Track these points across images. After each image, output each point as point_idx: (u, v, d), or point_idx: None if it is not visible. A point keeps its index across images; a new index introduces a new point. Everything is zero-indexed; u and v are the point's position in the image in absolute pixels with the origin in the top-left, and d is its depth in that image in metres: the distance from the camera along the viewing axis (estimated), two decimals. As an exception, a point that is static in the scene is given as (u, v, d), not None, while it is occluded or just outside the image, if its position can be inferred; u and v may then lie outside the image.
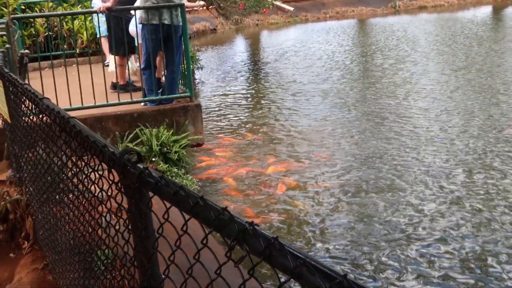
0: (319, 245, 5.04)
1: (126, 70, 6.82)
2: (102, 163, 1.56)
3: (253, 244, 0.95)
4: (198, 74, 13.86)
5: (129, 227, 1.47)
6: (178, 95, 6.34)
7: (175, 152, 5.87)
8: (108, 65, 7.82)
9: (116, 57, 6.74)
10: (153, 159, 5.74)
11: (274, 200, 6.10)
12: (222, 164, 7.35)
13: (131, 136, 5.88)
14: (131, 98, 6.05)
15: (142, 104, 6.40)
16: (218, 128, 9.16)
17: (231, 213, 1.05)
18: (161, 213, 1.27)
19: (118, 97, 5.99)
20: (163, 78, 6.44)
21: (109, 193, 1.57)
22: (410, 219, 5.37)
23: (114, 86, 6.90)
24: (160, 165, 5.64)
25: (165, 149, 5.84)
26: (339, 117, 9.26)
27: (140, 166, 1.36)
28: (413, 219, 5.36)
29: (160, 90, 6.44)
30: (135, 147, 5.52)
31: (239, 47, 19.83)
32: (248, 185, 6.59)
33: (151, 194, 1.33)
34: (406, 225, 5.21)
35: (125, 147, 5.53)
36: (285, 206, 5.92)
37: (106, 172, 1.56)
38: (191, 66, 6.74)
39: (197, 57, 13.77)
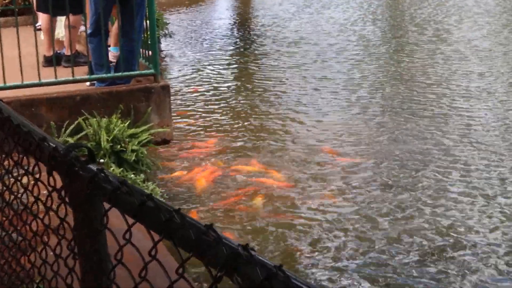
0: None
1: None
2: (40, 163, 1.58)
3: (248, 275, 0.98)
4: (165, 44, 13.86)
5: (75, 251, 1.49)
6: (138, 72, 6.34)
7: (133, 150, 5.88)
8: (40, 29, 7.81)
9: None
10: (102, 159, 5.75)
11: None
12: (199, 169, 7.38)
13: (72, 127, 5.87)
14: (73, 75, 6.05)
15: (88, 83, 6.40)
16: (193, 120, 9.19)
17: (218, 233, 1.08)
18: (121, 232, 1.29)
19: (55, 73, 5.98)
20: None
21: (48, 204, 1.59)
22: None
23: (49, 61, 6.89)
24: (112, 169, 5.64)
25: (119, 146, 5.85)
26: (354, 116, 9.26)
27: (93, 167, 1.39)
28: None
29: (113, 64, 6.44)
30: (80, 142, 5.52)
31: (222, 9, 19.84)
32: (235, 202, 6.63)
33: (106, 205, 1.36)
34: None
35: (64, 142, 5.53)
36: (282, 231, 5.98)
37: (44, 175, 1.58)
38: (157, 33, 6.75)
39: (164, 21, 13.77)
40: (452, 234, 5.86)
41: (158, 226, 1.16)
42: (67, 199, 1.48)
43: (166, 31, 13.64)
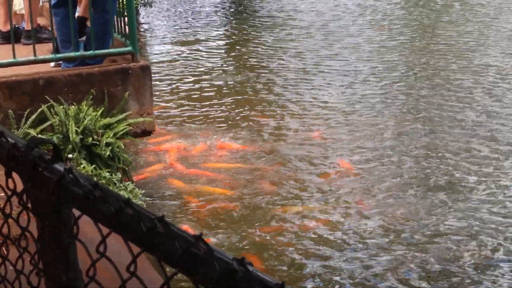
0: None
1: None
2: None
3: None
4: (144, 15, 13.84)
5: (40, 267, 1.49)
6: (112, 50, 6.34)
7: (107, 144, 5.88)
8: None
9: None
10: (70, 155, 5.76)
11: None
12: (187, 166, 7.39)
13: (34, 116, 5.88)
14: (35, 55, 6.06)
15: (52, 64, 6.40)
16: (179, 108, 9.18)
17: (209, 245, 1.10)
18: (94, 244, 1.30)
19: (13, 52, 5.99)
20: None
21: (6, 211, 1.59)
22: None
23: (5, 37, 6.89)
24: (82, 166, 5.66)
25: (90, 139, 5.86)
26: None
27: (60, 167, 1.40)
28: None
29: (83, 39, 6.43)
30: (43, 136, 5.53)
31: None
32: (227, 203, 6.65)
33: (76, 212, 1.36)
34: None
35: (25, 134, 5.54)
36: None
37: (1, 176, 1.58)
38: (135, 1, 6.77)
39: (142, -14, 13.76)
40: None
41: (138, 237, 1.18)
42: (29, 205, 1.47)
43: (146, 0, 13.61)
